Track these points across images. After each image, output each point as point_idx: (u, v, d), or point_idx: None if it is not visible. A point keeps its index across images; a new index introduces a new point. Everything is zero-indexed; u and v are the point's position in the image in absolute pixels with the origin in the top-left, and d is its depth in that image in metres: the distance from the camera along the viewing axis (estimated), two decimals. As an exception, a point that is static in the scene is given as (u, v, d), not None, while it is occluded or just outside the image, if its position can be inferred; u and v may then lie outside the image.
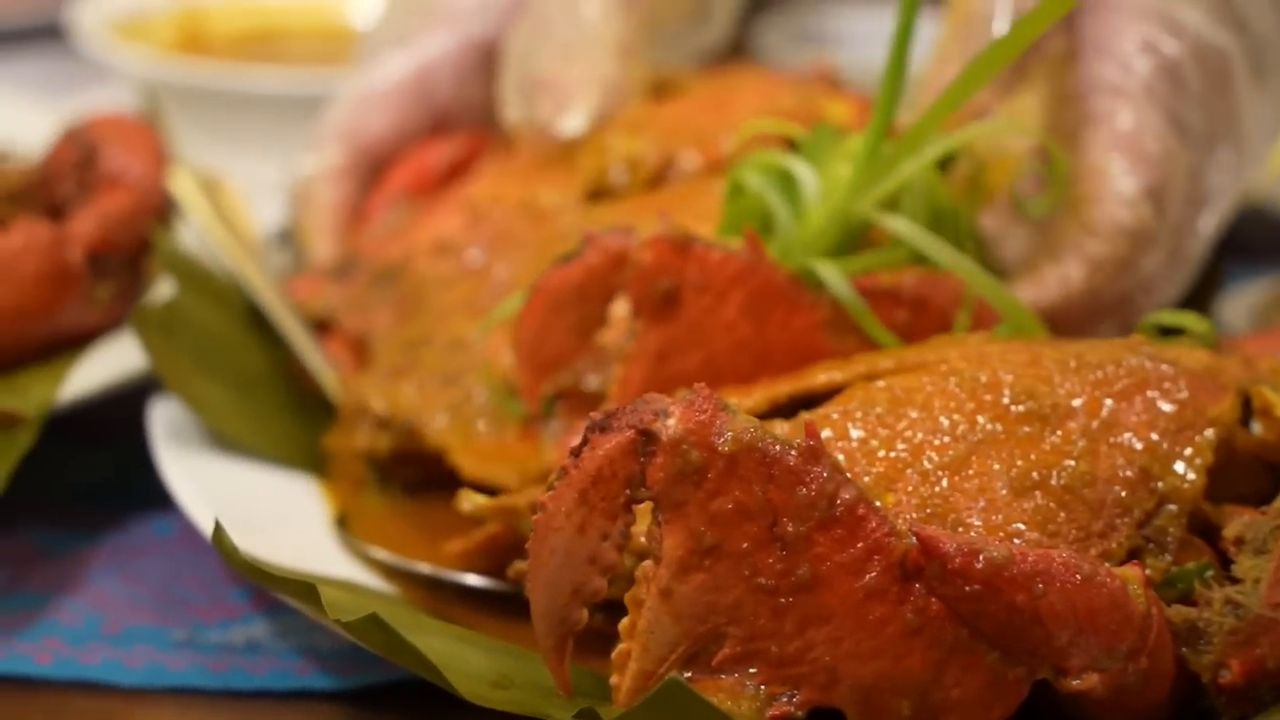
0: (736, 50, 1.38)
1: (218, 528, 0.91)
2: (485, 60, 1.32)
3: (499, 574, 1.00)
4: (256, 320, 1.24)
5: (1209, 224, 1.10)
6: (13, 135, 1.44)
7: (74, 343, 1.20)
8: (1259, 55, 1.11)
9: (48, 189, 1.29)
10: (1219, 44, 1.08)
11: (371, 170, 1.31)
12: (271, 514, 1.07)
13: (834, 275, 0.99)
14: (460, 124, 1.33)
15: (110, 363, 1.17)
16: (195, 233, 1.29)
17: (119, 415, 1.17)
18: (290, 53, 1.67)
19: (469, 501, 0.98)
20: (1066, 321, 1.05)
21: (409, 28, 1.33)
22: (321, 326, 1.23)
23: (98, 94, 1.61)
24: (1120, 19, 1.07)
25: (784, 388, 0.95)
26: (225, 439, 1.11)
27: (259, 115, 1.51)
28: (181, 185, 1.33)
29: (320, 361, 1.19)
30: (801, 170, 1.04)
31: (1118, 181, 1.05)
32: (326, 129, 1.31)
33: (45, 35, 1.80)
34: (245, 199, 1.35)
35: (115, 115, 1.38)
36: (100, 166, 1.29)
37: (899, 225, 1.01)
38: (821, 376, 0.95)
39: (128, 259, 1.24)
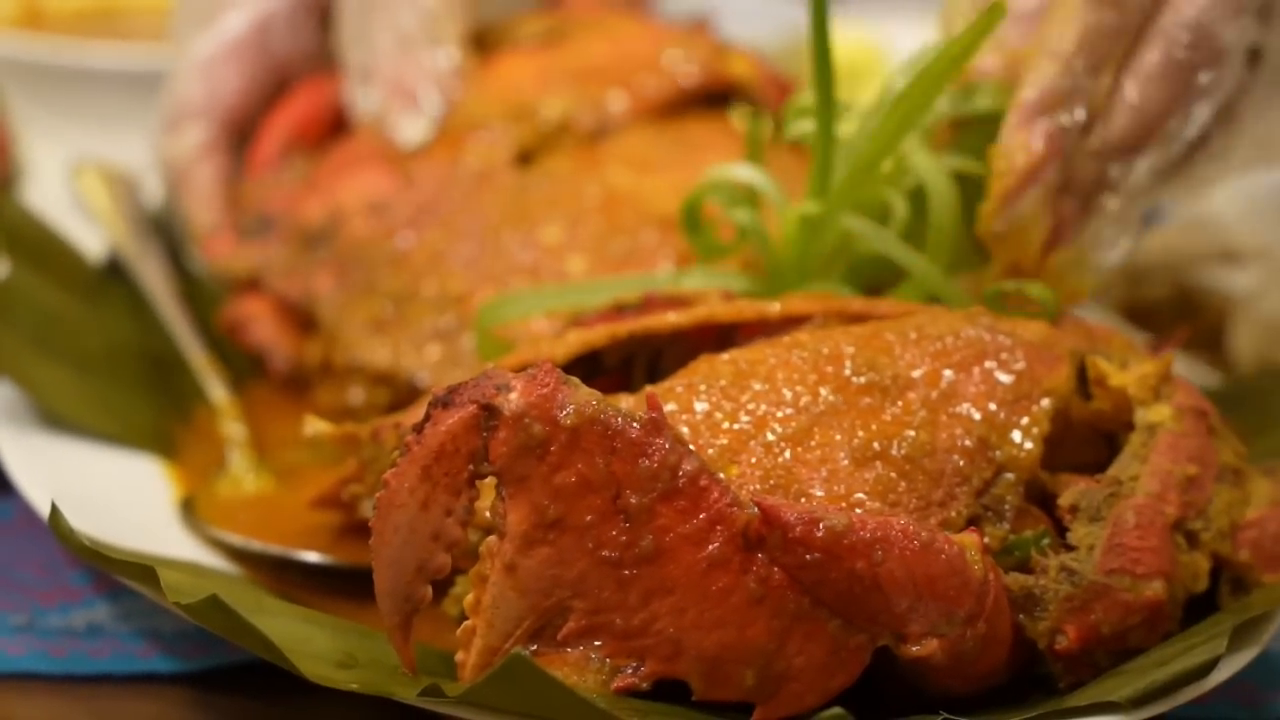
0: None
1: (54, 509, 0.89)
2: (315, 15, 1.31)
3: (353, 533, 1.00)
4: (100, 298, 1.22)
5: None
6: None
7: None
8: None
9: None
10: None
11: (237, 135, 1.30)
12: (113, 496, 1.05)
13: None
14: (300, 77, 1.32)
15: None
16: (98, 225, 1.28)
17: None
18: (130, 28, 1.64)
19: (311, 426, 0.98)
20: None
21: None
22: (247, 286, 1.23)
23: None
24: None
25: (625, 325, 0.96)
26: (66, 420, 1.09)
27: (100, 91, 1.49)
28: (84, 179, 1.32)
29: (200, 356, 1.18)
30: (762, 182, 1.05)
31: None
32: (181, 105, 1.29)
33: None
34: (139, 186, 1.34)
35: (-51, 91, 1.35)
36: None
37: (869, 230, 1.01)
38: (664, 318, 0.96)
39: (-37, 237, 1.22)
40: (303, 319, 1.20)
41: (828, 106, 1.02)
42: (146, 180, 1.36)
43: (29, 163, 1.39)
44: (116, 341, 1.19)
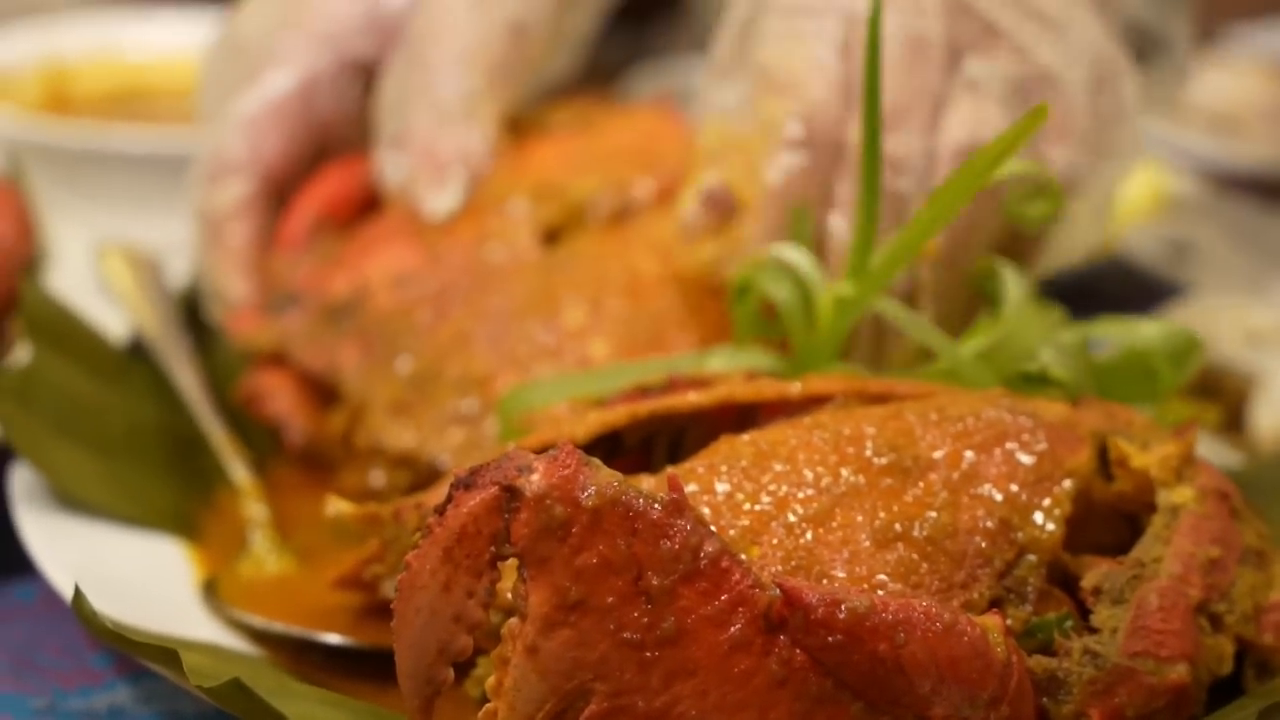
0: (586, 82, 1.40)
1: (77, 592, 0.89)
2: (361, 78, 1.31)
3: (374, 614, 1.00)
4: (122, 380, 1.23)
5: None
6: None
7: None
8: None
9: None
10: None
11: (275, 195, 1.29)
12: (136, 578, 1.05)
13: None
14: (341, 140, 1.32)
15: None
16: (120, 307, 1.28)
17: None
18: (156, 110, 1.66)
19: (333, 506, 0.98)
20: None
21: (279, 45, 1.30)
22: (269, 360, 1.23)
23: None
24: None
25: (646, 405, 0.96)
26: (87, 505, 1.09)
27: (124, 174, 1.50)
28: (109, 260, 1.33)
29: (222, 437, 1.19)
30: (803, 263, 1.06)
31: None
32: (222, 159, 1.27)
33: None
34: (164, 268, 1.34)
35: (-24, 176, 1.36)
36: (-40, 226, 1.28)
37: (901, 314, 1.04)
38: (684, 398, 0.97)
39: (-11, 320, 1.23)
40: (324, 394, 1.21)
41: (873, 192, 1.03)
42: (170, 261, 1.37)
43: (53, 245, 1.40)
44: (138, 423, 1.20)
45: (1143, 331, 1.06)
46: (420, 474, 1.13)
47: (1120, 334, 1.07)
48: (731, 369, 1.05)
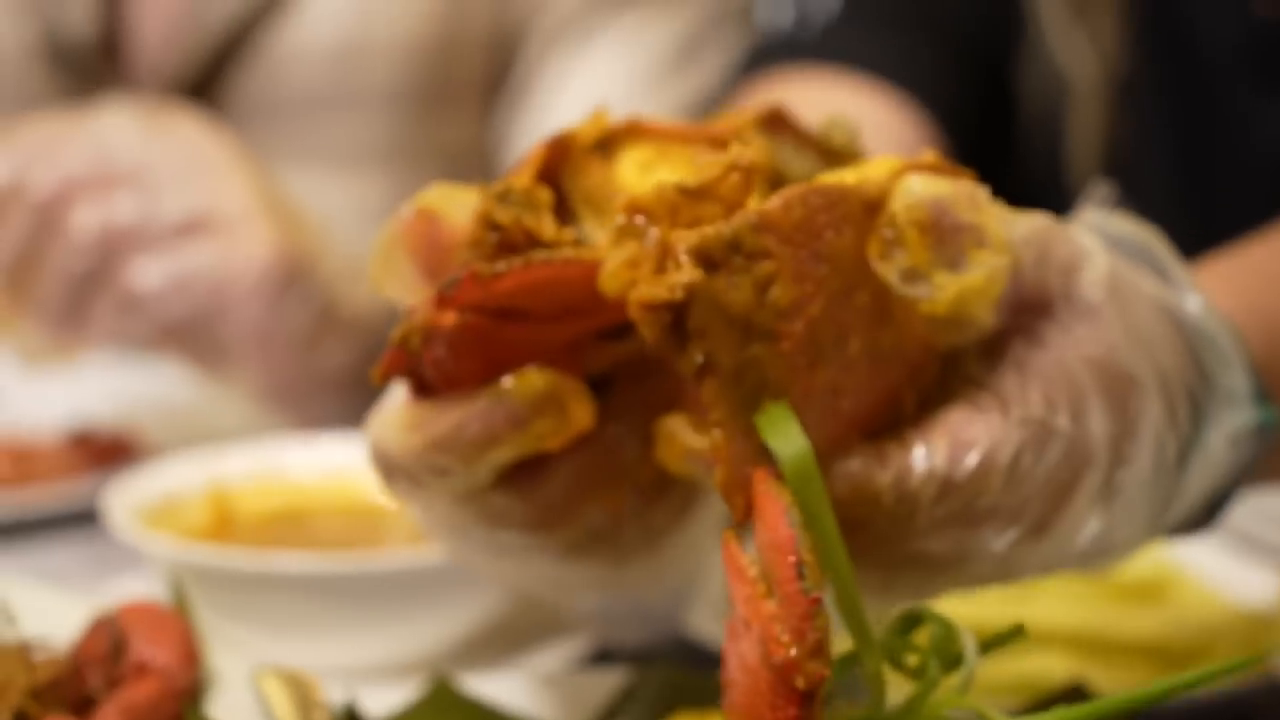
0: None
1: None
2: None
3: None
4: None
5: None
6: (45, 626, 1.46)
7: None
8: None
9: (78, 681, 1.31)
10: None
11: None
12: None
13: None
14: None
15: None
16: None
17: None
18: (318, 531, 1.70)
19: None
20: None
21: None
22: None
23: (131, 579, 1.63)
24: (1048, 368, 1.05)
25: None
26: None
27: (286, 596, 1.53)
28: (267, 684, 1.36)
29: None
30: None
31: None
32: None
33: (82, 521, 1.84)
34: (324, 692, 1.37)
35: (143, 603, 1.41)
36: (128, 656, 1.32)
37: None
38: None
39: (152, 751, 1.25)
40: None
41: None
42: (327, 684, 1.39)
43: (214, 671, 1.43)
44: None
45: None
46: None
47: None
48: None
